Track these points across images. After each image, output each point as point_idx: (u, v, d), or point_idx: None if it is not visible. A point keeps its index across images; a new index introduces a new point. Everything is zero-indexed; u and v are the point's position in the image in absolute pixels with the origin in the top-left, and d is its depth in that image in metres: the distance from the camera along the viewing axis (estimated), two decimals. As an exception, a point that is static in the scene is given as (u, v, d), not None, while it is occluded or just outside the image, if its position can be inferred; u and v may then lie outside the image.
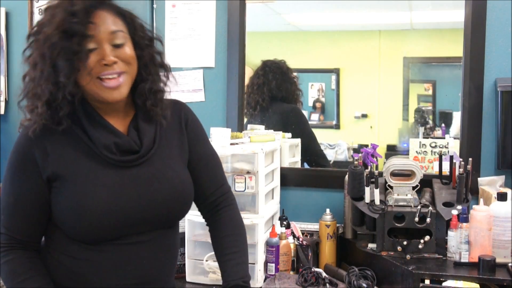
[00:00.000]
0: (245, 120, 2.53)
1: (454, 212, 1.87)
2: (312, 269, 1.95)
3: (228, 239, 1.47)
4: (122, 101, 1.35)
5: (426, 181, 2.07)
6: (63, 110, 1.26)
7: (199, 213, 1.55)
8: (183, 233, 1.98)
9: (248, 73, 2.53)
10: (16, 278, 1.29)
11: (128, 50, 1.31)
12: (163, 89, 1.42)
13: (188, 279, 2.04)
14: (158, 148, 1.38)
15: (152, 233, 1.35)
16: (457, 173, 1.98)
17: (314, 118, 2.64)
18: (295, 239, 2.12)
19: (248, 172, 1.99)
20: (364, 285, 1.84)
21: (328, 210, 2.17)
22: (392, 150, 2.42)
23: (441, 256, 1.88)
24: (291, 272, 2.06)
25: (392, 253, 1.91)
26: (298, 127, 2.51)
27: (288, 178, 2.38)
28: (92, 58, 1.25)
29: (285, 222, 2.17)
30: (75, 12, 1.23)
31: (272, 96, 2.55)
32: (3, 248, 1.31)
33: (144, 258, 1.33)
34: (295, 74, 2.57)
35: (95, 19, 1.26)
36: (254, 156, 1.98)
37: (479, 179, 2.16)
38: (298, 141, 2.49)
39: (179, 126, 1.46)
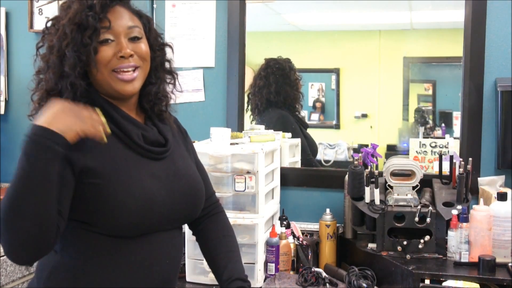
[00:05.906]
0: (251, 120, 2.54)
1: (454, 212, 1.87)
2: (312, 269, 1.95)
3: (226, 239, 1.50)
4: (133, 100, 1.36)
5: (426, 181, 2.07)
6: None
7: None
8: (183, 233, 1.98)
9: (249, 73, 2.52)
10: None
11: (144, 46, 1.32)
12: (169, 95, 1.44)
13: (188, 279, 2.03)
14: (175, 147, 1.41)
15: (171, 231, 1.34)
16: (457, 173, 1.98)
17: (314, 118, 2.63)
18: (295, 239, 2.12)
19: (248, 172, 1.99)
20: (364, 285, 1.84)
21: (328, 210, 2.17)
22: (392, 150, 2.42)
23: (441, 256, 1.88)
24: (291, 272, 2.06)
25: (392, 253, 1.91)
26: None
27: (288, 178, 2.38)
28: (108, 51, 1.26)
29: (285, 222, 2.17)
30: (91, 5, 1.24)
31: (269, 100, 2.54)
32: None
33: (167, 258, 1.32)
34: (297, 74, 2.56)
35: (113, 14, 1.27)
36: (254, 156, 1.98)
37: (479, 179, 2.16)
38: (298, 141, 2.49)
39: (181, 134, 1.50)
